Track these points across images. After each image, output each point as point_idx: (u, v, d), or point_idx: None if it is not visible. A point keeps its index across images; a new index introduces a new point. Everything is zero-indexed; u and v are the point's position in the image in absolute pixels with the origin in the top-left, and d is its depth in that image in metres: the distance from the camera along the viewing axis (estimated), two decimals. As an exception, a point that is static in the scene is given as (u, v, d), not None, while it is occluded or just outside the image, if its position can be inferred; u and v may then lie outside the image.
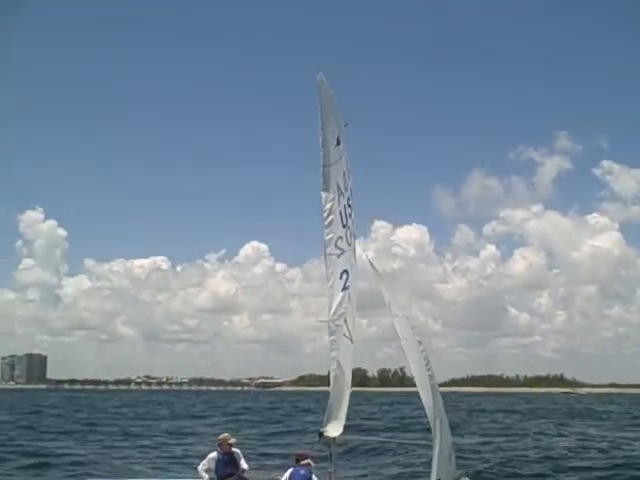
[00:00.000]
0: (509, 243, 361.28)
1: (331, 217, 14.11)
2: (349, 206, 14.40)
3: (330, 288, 14.20)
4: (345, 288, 14.25)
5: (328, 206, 14.05)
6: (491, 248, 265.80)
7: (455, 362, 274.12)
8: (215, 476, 15.67)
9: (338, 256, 14.21)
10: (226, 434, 16.10)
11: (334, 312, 14.15)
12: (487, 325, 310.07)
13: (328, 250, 14.13)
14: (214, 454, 15.75)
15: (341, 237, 14.20)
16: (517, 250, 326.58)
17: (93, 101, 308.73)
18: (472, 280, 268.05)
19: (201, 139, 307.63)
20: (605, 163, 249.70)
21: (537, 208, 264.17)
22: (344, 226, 14.29)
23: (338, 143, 14.01)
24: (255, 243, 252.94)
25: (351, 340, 14.42)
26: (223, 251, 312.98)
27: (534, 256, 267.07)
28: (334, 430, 14.23)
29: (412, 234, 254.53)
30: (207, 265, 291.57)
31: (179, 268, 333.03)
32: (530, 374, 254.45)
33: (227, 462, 15.60)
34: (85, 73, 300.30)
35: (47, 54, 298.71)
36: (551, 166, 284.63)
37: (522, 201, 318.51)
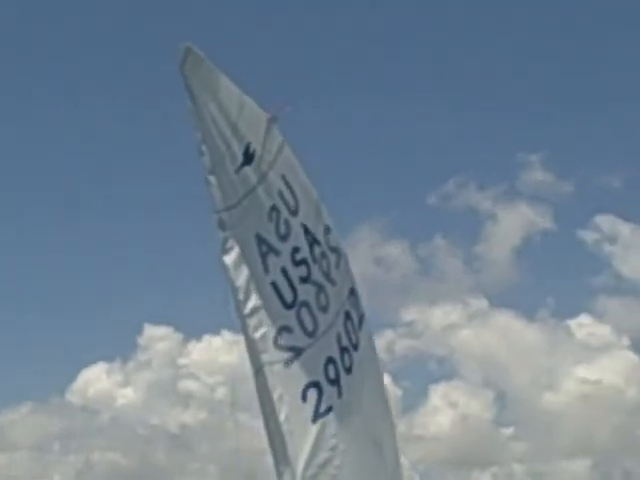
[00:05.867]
0: None
1: (253, 299, 7.59)
2: (313, 252, 8.00)
3: (284, 424, 7.67)
4: (325, 411, 7.82)
5: (242, 281, 7.53)
6: None
7: None
8: None
9: (288, 363, 7.71)
10: None
11: (305, 465, 7.64)
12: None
13: (264, 357, 7.61)
14: None
15: (288, 327, 7.72)
16: None
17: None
18: None
19: None
20: None
21: None
22: (294, 302, 7.78)
23: (248, 159, 7.58)
24: None
25: None
26: None
27: None
28: None
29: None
30: None
31: None
32: None
33: None
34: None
35: None
36: None
37: None
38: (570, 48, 41.93)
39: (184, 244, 38.85)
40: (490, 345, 35.56)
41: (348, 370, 8.05)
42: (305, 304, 7.79)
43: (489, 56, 42.08)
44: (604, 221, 37.32)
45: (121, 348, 36.24)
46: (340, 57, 40.73)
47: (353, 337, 8.18)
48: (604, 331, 35.62)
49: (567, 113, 41.37)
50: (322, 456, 7.72)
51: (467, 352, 35.76)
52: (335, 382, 7.91)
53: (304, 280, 7.83)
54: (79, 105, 42.23)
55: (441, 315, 36.38)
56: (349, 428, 7.99)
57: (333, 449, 7.78)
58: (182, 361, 35.60)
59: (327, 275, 8.05)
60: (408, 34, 41.54)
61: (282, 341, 7.66)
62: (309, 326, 7.79)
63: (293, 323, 7.72)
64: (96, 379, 35.13)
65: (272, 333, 7.63)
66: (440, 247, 38.60)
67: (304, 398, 7.74)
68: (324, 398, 7.79)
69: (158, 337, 35.56)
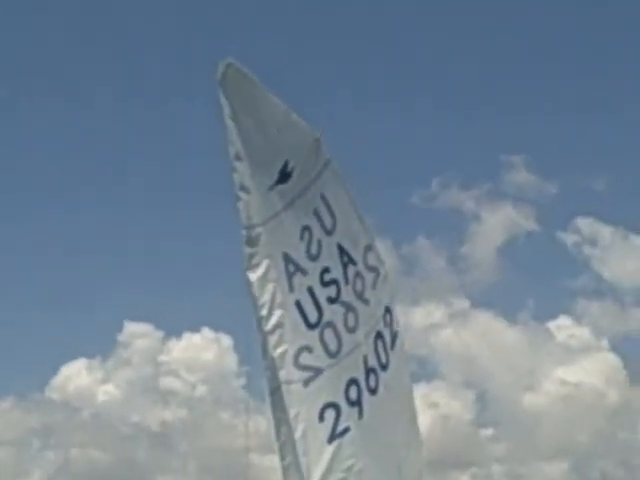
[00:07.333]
0: None
1: (276, 316, 7.54)
2: (347, 273, 7.96)
3: (299, 442, 7.63)
4: (342, 432, 7.76)
5: (266, 298, 7.50)
6: None
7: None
8: None
9: (307, 382, 7.67)
10: None
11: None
12: None
13: (282, 375, 7.57)
14: None
15: (309, 346, 7.67)
16: None
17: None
18: None
19: None
20: None
21: None
22: (318, 322, 7.73)
23: (284, 178, 7.54)
24: None
25: None
26: None
27: None
28: None
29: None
30: None
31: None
32: None
33: None
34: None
35: None
36: None
37: None
38: (555, 50, 41.47)
39: (166, 242, 39.16)
40: (471, 346, 35.71)
41: (373, 391, 7.97)
42: (330, 324, 7.75)
43: (474, 57, 41.50)
44: (585, 223, 37.20)
45: (101, 345, 35.68)
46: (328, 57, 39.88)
47: (383, 357, 8.09)
48: (584, 333, 35.53)
49: (551, 115, 41.30)
50: (336, 477, 7.69)
51: (448, 352, 35.82)
52: (356, 403, 7.85)
53: (332, 300, 7.79)
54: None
55: (423, 315, 35.32)
56: (368, 449, 7.91)
57: (348, 470, 7.72)
58: (162, 358, 35.16)
59: (360, 295, 7.99)
60: (392, 32, 40.79)
61: (302, 360, 7.65)
62: (332, 346, 7.75)
63: (315, 343, 7.69)
64: (77, 375, 33.82)
65: (292, 352, 7.62)
66: (423, 247, 38.04)
67: (321, 418, 7.71)
68: (342, 419, 7.75)
69: (138, 334, 35.00)
